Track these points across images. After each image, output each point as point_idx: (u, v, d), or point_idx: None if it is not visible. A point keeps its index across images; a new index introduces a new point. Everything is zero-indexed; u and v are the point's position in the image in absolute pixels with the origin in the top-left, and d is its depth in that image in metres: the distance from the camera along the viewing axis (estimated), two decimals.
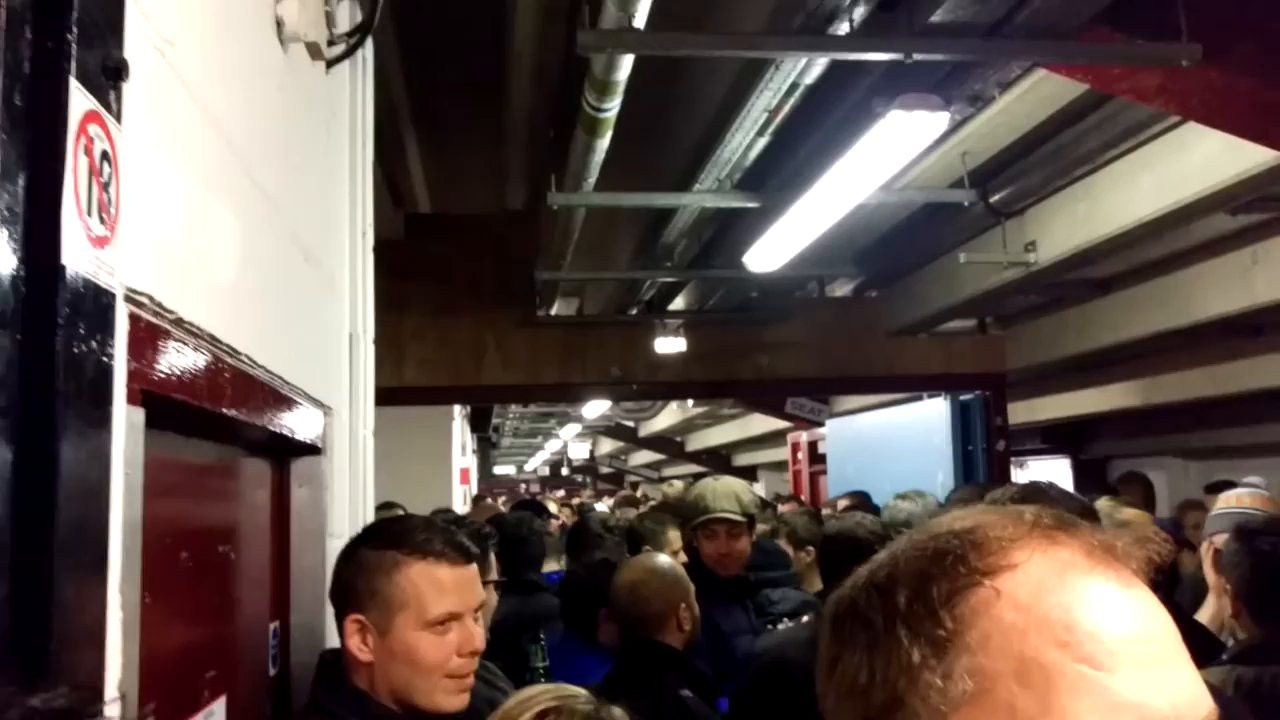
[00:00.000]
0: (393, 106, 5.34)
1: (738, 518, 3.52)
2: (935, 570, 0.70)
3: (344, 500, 2.62)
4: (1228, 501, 3.69)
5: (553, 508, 11.51)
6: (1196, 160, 4.67)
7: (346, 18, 2.67)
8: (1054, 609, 0.66)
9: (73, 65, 0.91)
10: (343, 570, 1.79)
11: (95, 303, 0.96)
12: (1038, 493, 2.26)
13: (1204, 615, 3.11)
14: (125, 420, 1.07)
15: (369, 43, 2.88)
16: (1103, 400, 8.92)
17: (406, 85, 5.36)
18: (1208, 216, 5.19)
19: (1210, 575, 3.07)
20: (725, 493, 3.58)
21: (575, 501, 16.20)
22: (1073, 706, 0.64)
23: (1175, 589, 3.88)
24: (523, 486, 28.20)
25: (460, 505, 11.25)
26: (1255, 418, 7.89)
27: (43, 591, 0.86)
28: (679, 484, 7.39)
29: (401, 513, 6.53)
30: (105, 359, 0.99)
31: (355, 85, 2.94)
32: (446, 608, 1.72)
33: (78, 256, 0.91)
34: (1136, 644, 0.66)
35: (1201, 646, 1.67)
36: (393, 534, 1.79)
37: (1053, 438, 10.69)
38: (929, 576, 0.70)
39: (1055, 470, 10.81)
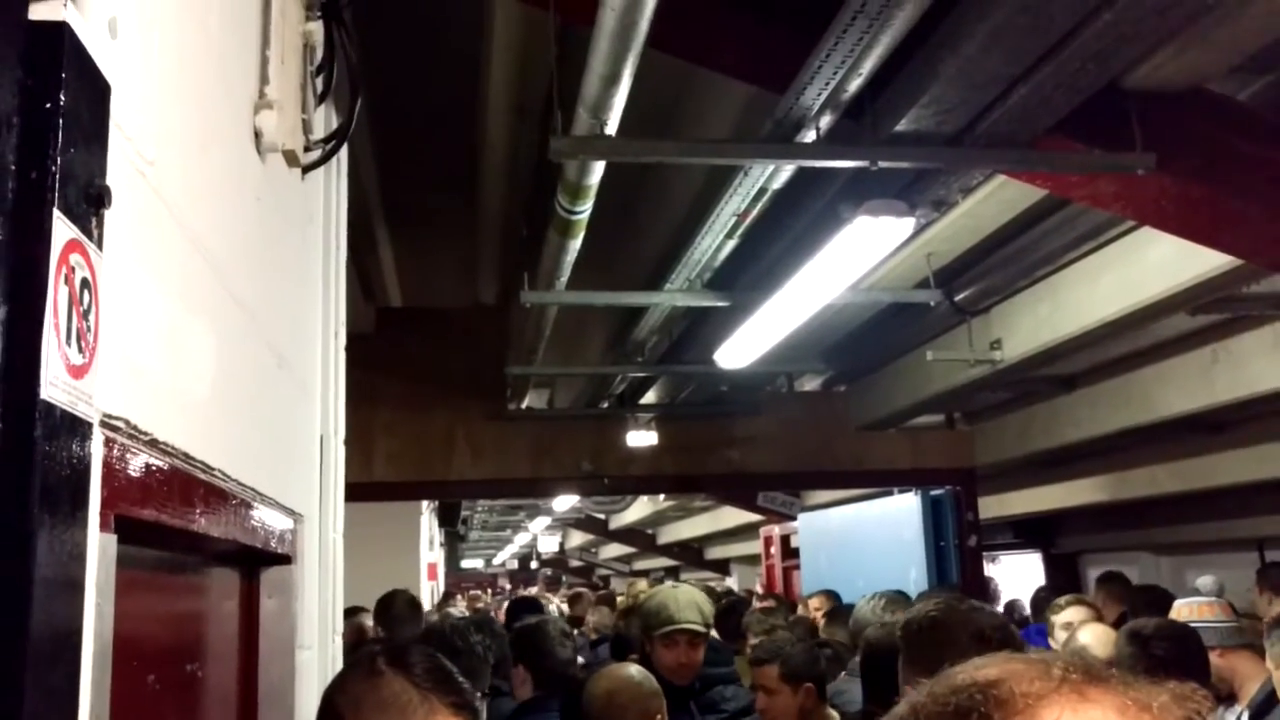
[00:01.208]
0: (365, 201, 5.39)
1: (700, 629, 3.58)
2: None
3: (314, 608, 2.57)
4: (1179, 614, 3.72)
5: (554, 605, 11.28)
6: (1155, 262, 4.79)
7: (322, 124, 2.71)
8: None
9: (55, 196, 0.91)
10: (366, 694, 1.63)
11: (72, 433, 0.95)
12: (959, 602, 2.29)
13: None
14: (99, 549, 1.05)
15: (344, 147, 2.92)
16: (1072, 495, 8.96)
17: (380, 180, 5.43)
18: (1168, 317, 5.30)
19: None
20: (688, 603, 3.62)
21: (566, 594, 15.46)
22: None
23: None
24: (504, 584, 27.76)
25: (426, 603, 11.05)
26: (1223, 513, 7.95)
27: None
28: (642, 582, 7.31)
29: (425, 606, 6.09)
30: (80, 490, 0.98)
31: (330, 188, 2.97)
32: None
33: (56, 389, 0.91)
34: None
35: None
36: (434, 676, 1.65)
37: (1024, 532, 10.69)
38: None
39: (1027, 565, 10.79)
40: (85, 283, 0.99)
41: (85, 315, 0.99)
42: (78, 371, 0.97)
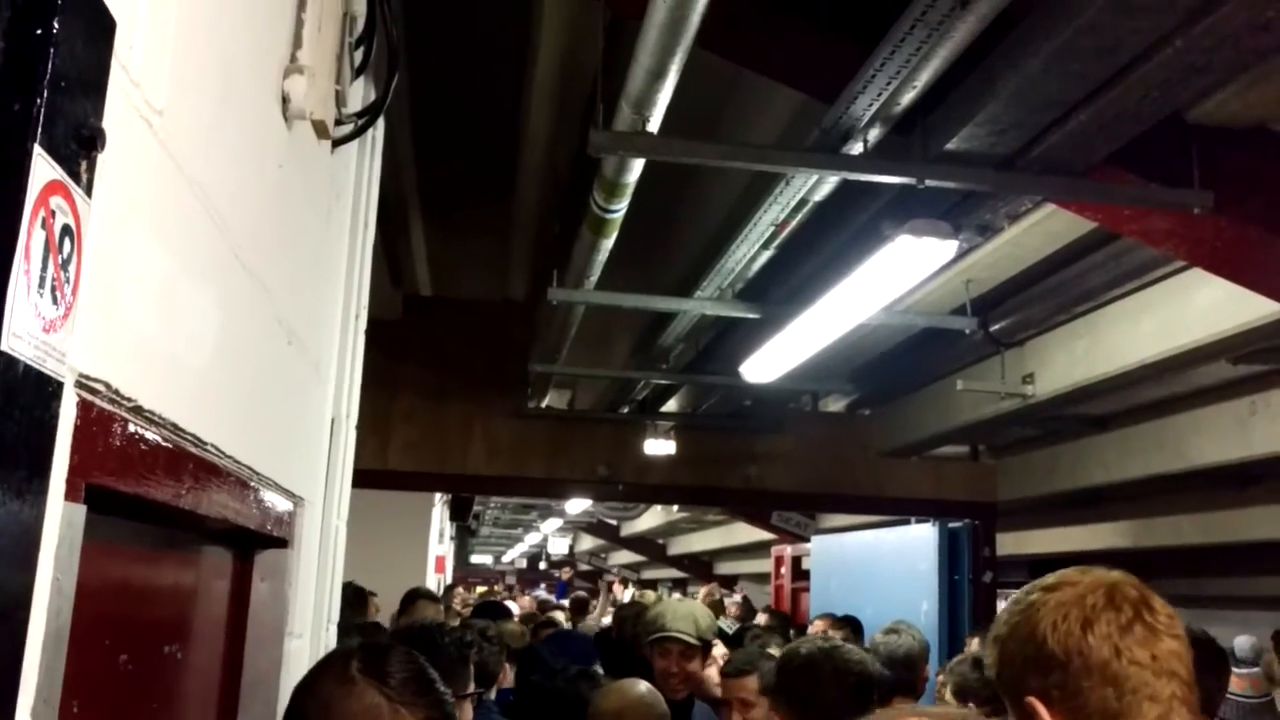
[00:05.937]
0: (401, 187, 5.33)
1: (691, 640, 3.53)
2: None
3: (309, 595, 2.49)
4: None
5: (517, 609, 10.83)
6: (1200, 307, 4.65)
7: (359, 97, 2.64)
8: None
9: (38, 131, 0.83)
10: (335, 702, 1.54)
11: (37, 392, 0.87)
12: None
13: None
14: (62, 519, 0.97)
15: (379, 123, 2.84)
16: (1093, 538, 8.79)
17: (417, 167, 5.36)
18: (1209, 364, 5.16)
19: None
20: (684, 614, 3.60)
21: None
22: None
23: None
24: (506, 578, 27.68)
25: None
26: (1249, 569, 7.78)
27: None
28: (650, 594, 7.20)
29: (429, 608, 5.94)
30: (42, 452, 0.90)
31: (362, 166, 2.90)
32: None
33: (20, 340, 0.82)
34: None
35: None
36: (410, 686, 1.55)
37: (1041, 572, 10.40)
38: None
39: None
40: (67, 230, 0.91)
41: (64, 265, 0.91)
42: (49, 326, 0.89)
